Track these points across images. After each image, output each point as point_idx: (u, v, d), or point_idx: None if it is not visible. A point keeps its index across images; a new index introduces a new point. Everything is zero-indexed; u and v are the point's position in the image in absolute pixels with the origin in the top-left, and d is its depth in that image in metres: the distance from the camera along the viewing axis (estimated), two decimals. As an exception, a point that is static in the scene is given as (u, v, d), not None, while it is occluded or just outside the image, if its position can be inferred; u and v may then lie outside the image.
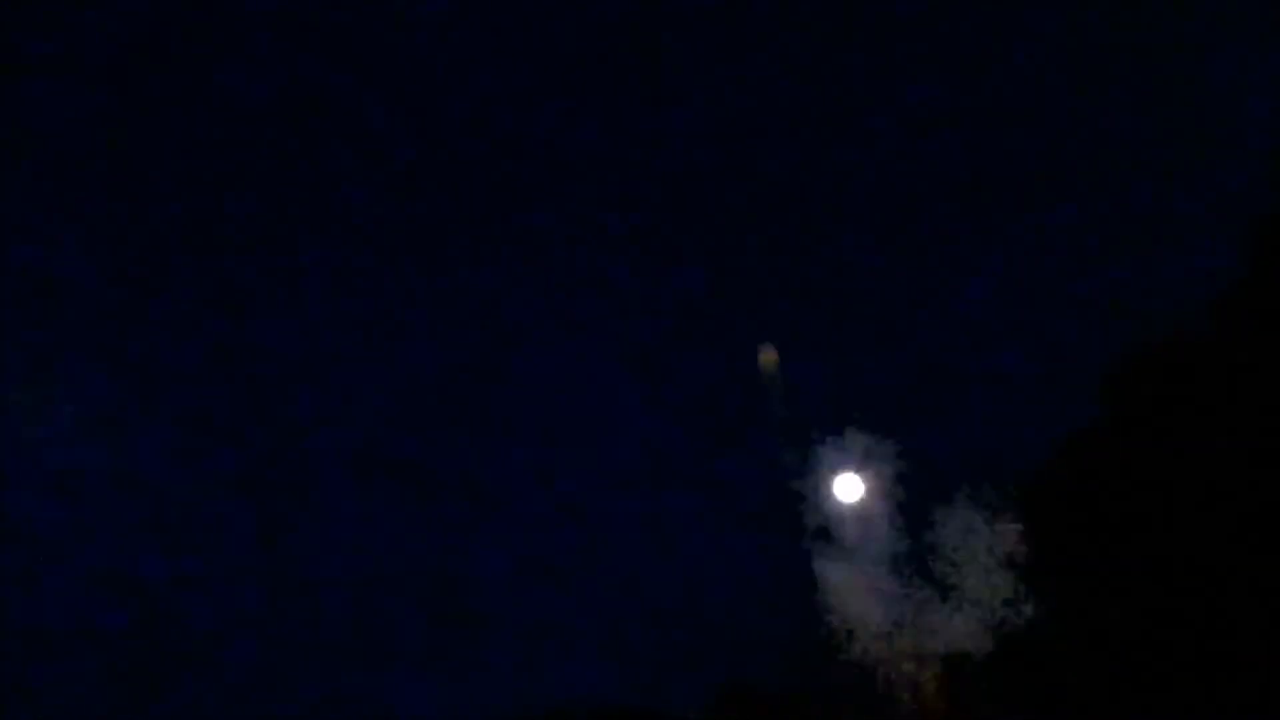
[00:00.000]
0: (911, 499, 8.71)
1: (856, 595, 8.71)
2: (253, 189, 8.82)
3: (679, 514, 8.80)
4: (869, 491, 8.87)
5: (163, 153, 8.60)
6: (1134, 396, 5.73)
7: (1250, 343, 4.84)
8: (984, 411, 7.96)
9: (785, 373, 8.53)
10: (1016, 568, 7.57)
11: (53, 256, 8.09)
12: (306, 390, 8.80)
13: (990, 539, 8.14)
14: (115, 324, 8.37)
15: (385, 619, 8.03)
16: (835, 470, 8.94)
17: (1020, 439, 7.38)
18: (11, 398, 7.86)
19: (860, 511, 8.91)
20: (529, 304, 9.13)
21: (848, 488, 8.95)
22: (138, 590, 7.80)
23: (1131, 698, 6.42)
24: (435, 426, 8.74)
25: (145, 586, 7.85)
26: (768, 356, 8.46)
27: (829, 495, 8.96)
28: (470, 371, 8.99)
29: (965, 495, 8.26)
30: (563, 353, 9.11)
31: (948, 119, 7.18)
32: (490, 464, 8.76)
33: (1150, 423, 5.84)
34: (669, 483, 8.84)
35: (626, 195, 9.29)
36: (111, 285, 8.45)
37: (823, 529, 8.97)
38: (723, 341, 8.91)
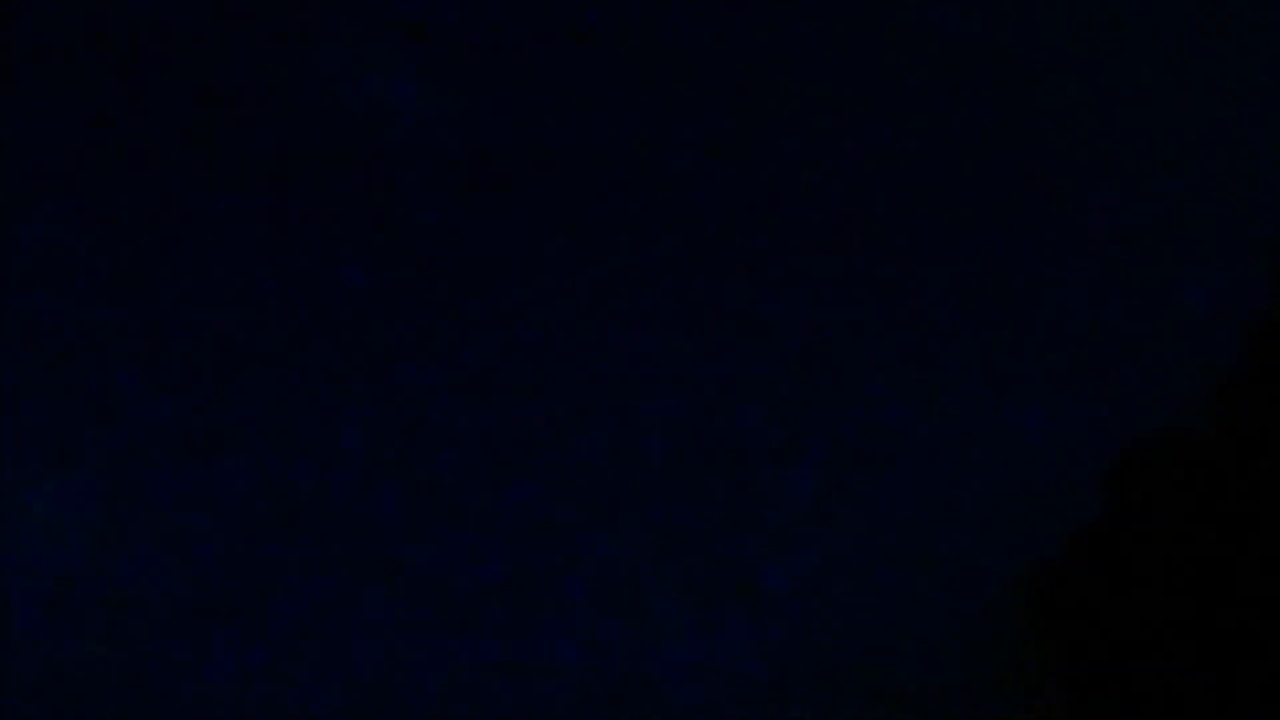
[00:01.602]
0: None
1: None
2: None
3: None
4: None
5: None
6: (1136, 492, 5.73)
7: (1254, 437, 4.80)
8: (980, 517, 7.93)
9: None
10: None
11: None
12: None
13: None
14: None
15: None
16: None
17: (1018, 543, 7.34)
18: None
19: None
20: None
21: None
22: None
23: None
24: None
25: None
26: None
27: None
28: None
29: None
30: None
31: (940, 219, 7.25)
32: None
33: (1153, 518, 5.82)
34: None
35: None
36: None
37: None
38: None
